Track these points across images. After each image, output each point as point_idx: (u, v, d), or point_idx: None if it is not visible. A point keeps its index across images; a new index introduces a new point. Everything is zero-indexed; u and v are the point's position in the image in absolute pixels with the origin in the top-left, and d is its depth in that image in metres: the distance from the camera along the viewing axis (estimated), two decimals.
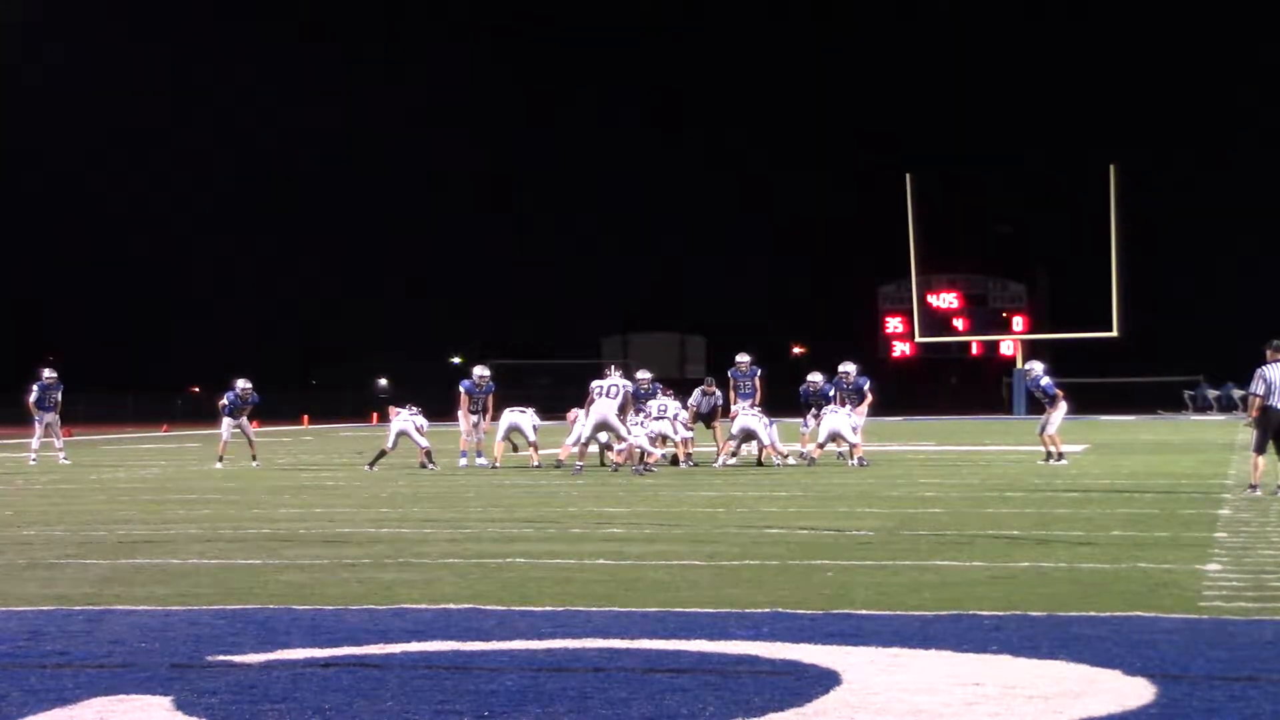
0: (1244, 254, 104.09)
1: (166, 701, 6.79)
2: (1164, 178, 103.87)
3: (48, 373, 32.04)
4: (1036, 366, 27.08)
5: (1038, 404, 28.76)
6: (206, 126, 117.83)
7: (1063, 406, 26.32)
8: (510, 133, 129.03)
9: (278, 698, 6.83)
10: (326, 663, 7.62)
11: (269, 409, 71.35)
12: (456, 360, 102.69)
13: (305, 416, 67.39)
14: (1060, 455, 25.79)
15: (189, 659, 7.82)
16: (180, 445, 41.79)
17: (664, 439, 26.64)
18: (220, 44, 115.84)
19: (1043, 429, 26.30)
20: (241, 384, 29.79)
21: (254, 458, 29.42)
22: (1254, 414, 18.43)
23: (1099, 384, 76.52)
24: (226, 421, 29.82)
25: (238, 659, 7.77)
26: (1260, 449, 18.27)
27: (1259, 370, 18.23)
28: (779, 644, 7.98)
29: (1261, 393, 18.13)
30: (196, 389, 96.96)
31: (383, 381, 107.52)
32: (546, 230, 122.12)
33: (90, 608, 9.69)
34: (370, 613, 9.32)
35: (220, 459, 29.01)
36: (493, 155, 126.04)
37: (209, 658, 7.84)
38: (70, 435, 37.91)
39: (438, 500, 19.09)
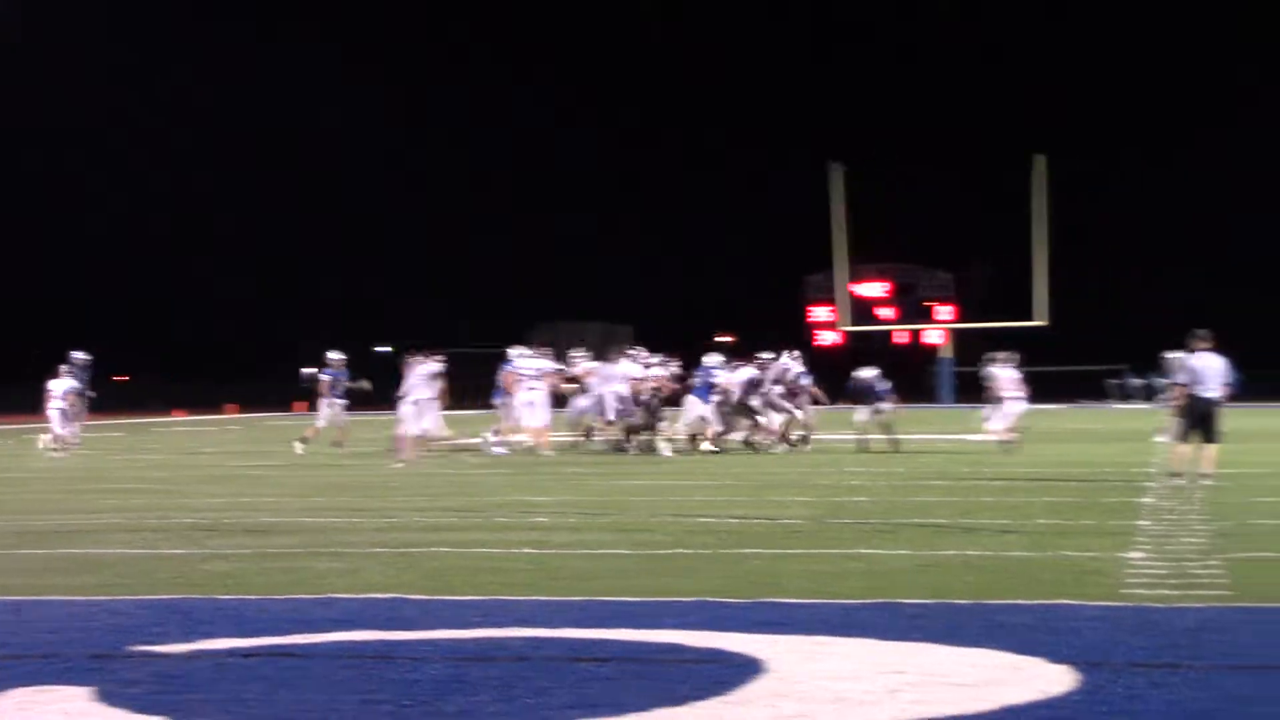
0: (1171, 246, 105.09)
1: (88, 692, 6.72)
2: (1092, 170, 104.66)
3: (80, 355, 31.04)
4: (1000, 367, 27.85)
5: (982, 393, 29.38)
6: (206, 125, 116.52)
7: (1011, 405, 27.03)
8: (505, 131, 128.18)
9: (200, 688, 6.78)
10: (249, 652, 7.57)
11: (256, 397, 71.80)
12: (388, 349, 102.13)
13: (295, 405, 67.77)
14: (1004, 441, 26.50)
15: (111, 649, 7.75)
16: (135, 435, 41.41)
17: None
18: (219, 42, 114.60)
19: (993, 420, 27.13)
20: (334, 355, 27.66)
21: (305, 440, 27.56)
22: (1177, 403, 18.68)
23: (1025, 373, 77.04)
24: (330, 405, 27.64)
25: (160, 649, 7.71)
26: (1183, 437, 18.48)
27: (1182, 359, 18.51)
28: (704, 633, 7.98)
29: (1185, 381, 18.37)
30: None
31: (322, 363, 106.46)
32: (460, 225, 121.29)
33: (11, 598, 9.58)
34: (295, 602, 9.27)
35: (307, 440, 27.43)
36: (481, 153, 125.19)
37: (131, 648, 7.77)
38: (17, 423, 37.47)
39: (365, 490, 19.01)
